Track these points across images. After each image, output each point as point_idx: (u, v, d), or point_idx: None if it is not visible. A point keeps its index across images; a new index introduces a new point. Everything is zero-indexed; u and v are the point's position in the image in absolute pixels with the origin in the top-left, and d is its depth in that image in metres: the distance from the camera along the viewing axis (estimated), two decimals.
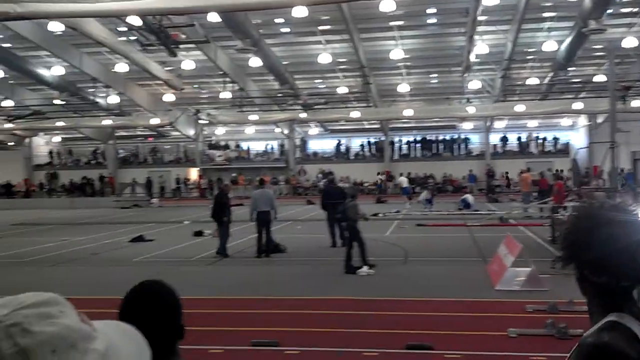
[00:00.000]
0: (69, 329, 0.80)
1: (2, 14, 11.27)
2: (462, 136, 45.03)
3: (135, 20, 18.76)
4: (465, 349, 7.11)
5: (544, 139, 43.75)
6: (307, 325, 8.35)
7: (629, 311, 1.69)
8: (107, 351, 0.83)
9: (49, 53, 29.19)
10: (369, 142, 46.36)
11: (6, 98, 36.22)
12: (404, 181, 33.55)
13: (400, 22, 27.78)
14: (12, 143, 46.69)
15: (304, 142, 48.19)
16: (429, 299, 9.82)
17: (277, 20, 27.21)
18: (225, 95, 33.80)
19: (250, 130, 45.62)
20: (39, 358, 0.76)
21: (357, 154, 46.55)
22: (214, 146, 46.37)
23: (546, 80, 34.38)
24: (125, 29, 24.09)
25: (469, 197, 27.91)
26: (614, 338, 1.62)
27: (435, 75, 36.46)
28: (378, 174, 40.40)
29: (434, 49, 31.56)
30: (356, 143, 46.96)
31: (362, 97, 34.40)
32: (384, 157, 43.94)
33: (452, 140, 45.05)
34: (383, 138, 44.73)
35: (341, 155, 46.42)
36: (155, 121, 38.24)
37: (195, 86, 36.89)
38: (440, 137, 45.27)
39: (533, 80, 34.03)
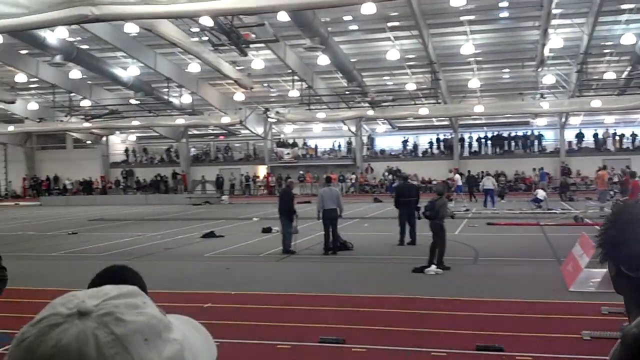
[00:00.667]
0: (156, 319, 0.83)
1: (81, 17, 11.74)
2: (536, 133, 43.80)
3: (208, 21, 19.16)
4: (537, 351, 6.92)
5: (622, 135, 42.01)
6: (374, 323, 8.31)
7: None
8: (183, 342, 0.85)
9: (125, 54, 30.21)
10: (437, 139, 45.77)
11: (84, 98, 37.74)
12: (458, 179, 32.93)
13: (471, 17, 27.26)
14: (90, 141, 48.70)
15: (371, 140, 48.06)
16: (499, 299, 9.61)
17: (345, 18, 27.22)
18: (294, 93, 34.09)
19: (317, 128, 45.87)
20: (134, 346, 0.79)
21: (425, 152, 46.04)
22: (282, 144, 46.90)
23: (624, 75, 32.98)
24: (197, 29, 24.67)
25: (540, 192, 27.21)
26: None
27: (507, 70, 35.60)
28: (450, 171, 39.77)
29: (506, 43, 30.82)
30: (424, 140, 46.46)
31: (431, 94, 33.96)
32: (453, 155, 43.27)
33: (525, 137, 43.89)
34: (452, 135, 44.06)
35: (409, 152, 46.02)
36: (225, 120, 39.00)
37: (264, 85, 37.38)
38: (513, 134, 44.20)
39: (610, 75, 32.70)
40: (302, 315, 8.87)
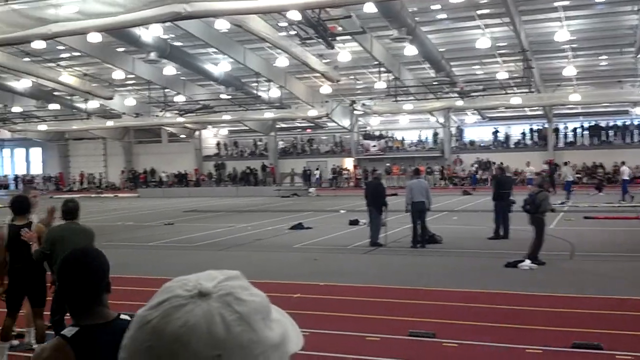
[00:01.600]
0: (264, 300, 0.88)
1: (174, 14, 12.14)
2: (635, 122, 41.49)
3: (295, 15, 19.34)
4: (638, 350, 6.56)
5: None
6: (465, 318, 8.15)
7: None
8: (279, 322, 0.89)
9: (216, 50, 31.01)
10: (530, 129, 44.26)
11: (178, 94, 39.07)
12: (568, 172, 30.98)
13: (566, 2, 26.11)
14: (184, 135, 50.42)
15: (460, 131, 47.10)
16: (597, 296, 9.18)
17: (433, 7, 26.76)
18: (380, 85, 33.89)
19: (404, 119, 45.43)
20: (256, 323, 0.83)
21: (517, 142, 44.64)
22: (369, 136, 46.79)
23: None
24: (285, 24, 24.94)
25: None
26: None
27: (605, 57, 33.86)
28: (545, 163, 38.35)
29: (603, 29, 29.32)
30: (516, 131, 45.04)
31: (523, 83, 32.81)
32: (548, 146, 41.72)
33: (625, 127, 41.69)
34: (546, 125, 42.48)
35: (500, 143, 44.77)
36: (312, 113, 39.32)
37: (350, 77, 37.38)
38: (611, 124, 42.08)
39: None
40: (390, 308, 8.81)
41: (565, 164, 34.61)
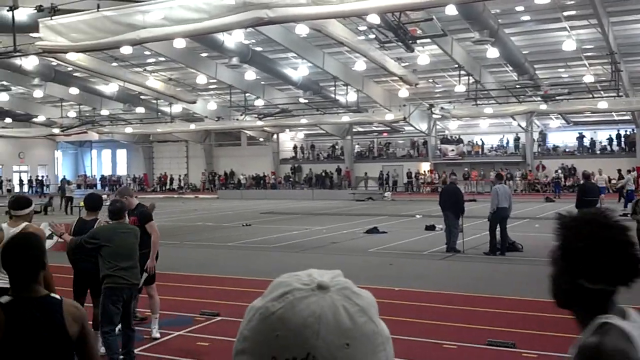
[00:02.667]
0: (372, 295, 0.91)
1: (257, 20, 12.36)
2: None
3: (375, 19, 19.31)
4: None
5: None
6: (546, 329, 7.89)
7: (613, 312, 1.75)
8: None
9: (295, 55, 31.38)
10: (618, 134, 42.38)
11: (258, 98, 39.78)
12: (630, 181, 28.03)
13: None
14: (262, 139, 51.28)
15: (543, 136, 45.66)
16: None
17: (517, 9, 26.08)
18: (460, 88, 33.32)
19: (484, 123, 44.47)
20: (374, 316, 0.88)
21: (603, 148, 42.85)
22: (447, 140, 46.09)
23: None
24: (364, 27, 24.95)
25: None
26: (611, 338, 1.67)
27: None
28: (628, 171, 36.65)
29: None
30: (603, 136, 43.23)
31: (611, 86, 31.43)
32: (636, 152, 39.83)
33: None
34: (635, 130, 40.56)
35: (585, 149, 43.10)
36: (389, 117, 39.13)
37: (429, 80, 36.95)
38: None
39: None
40: (468, 316, 8.64)
41: (629, 171, 33.00)
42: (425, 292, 10.20)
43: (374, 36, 24.34)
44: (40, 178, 54.17)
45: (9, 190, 46.93)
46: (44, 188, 51.05)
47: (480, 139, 46.23)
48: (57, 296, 3.05)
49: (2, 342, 2.85)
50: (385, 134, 49.81)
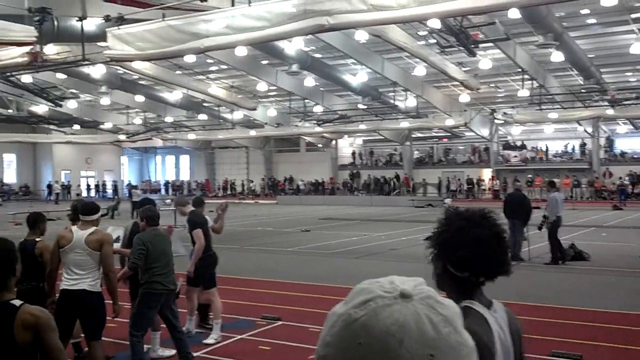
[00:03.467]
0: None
1: (318, 27, 12.44)
2: None
3: (436, 24, 19.15)
4: None
5: None
6: (614, 340, 7.61)
7: (478, 300, 2.00)
8: None
9: (354, 61, 31.41)
10: None
11: (317, 104, 40.00)
12: None
13: None
14: (321, 145, 51.50)
15: (610, 141, 44.17)
16: None
17: (582, 12, 25.35)
18: (523, 93, 32.60)
19: (548, 129, 43.34)
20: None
21: None
22: (509, 146, 45.15)
23: None
24: (425, 32, 24.76)
25: None
26: (468, 320, 1.63)
27: None
28: None
29: None
30: None
31: None
32: None
33: None
34: None
35: None
36: (450, 122, 38.65)
37: (491, 85, 36.33)
38: None
39: None
40: (532, 326, 8.40)
41: None
42: None
43: (434, 41, 24.11)
44: (105, 182, 56.08)
45: (78, 195, 48.69)
46: (113, 192, 52.69)
47: (545, 145, 45.08)
48: (17, 302, 3.02)
49: None
50: (445, 140, 49.21)
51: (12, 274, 3.07)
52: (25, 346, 2.93)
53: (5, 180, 54.39)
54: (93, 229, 6.01)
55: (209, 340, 7.65)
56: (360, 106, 38.97)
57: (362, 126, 41.36)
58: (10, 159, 55.43)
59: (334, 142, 51.08)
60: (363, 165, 51.59)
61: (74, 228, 6.13)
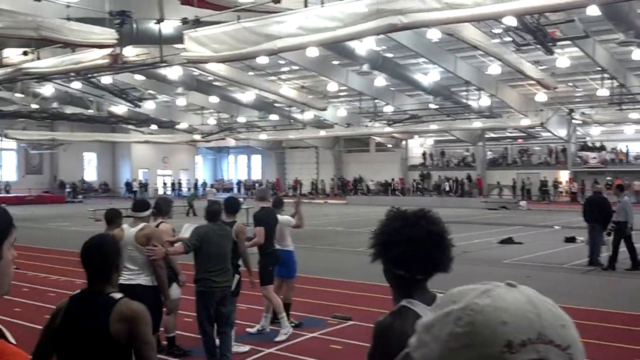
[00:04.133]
0: None
1: (390, 26, 12.36)
2: None
3: (512, 21, 18.69)
4: None
5: None
6: None
7: (420, 298, 2.10)
8: None
9: (426, 60, 31.05)
10: None
11: (387, 104, 39.78)
12: None
13: None
14: (391, 145, 51.19)
15: None
16: None
17: None
18: (603, 92, 31.39)
19: (629, 129, 41.48)
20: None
21: None
22: (588, 147, 43.54)
23: None
24: (500, 30, 24.21)
25: None
26: (402, 321, 2.02)
27: None
28: None
29: None
30: None
31: None
32: None
33: None
34: None
35: None
36: (525, 122, 37.62)
37: (569, 84, 35.14)
38: None
39: None
40: (615, 334, 8.08)
41: None
42: (566, 307, 9.58)
43: (510, 39, 23.53)
44: (181, 181, 57.75)
45: (164, 193, 50.34)
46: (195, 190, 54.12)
47: (625, 146, 43.21)
48: (117, 295, 3.15)
49: (57, 331, 3.10)
50: (520, 140, 47.92)
51: (114, 269, 3.25)
52: (119, 338, 3.03)
53: (86, 178, 56.82)
54: (142, 225, 6.25)
55: (280, 338, 7.72)
56: (432, 106, 38.50)
57: (433, 126, 40.83)
58: (90, 157, 57.85)
59: (404, 142, 50.67)
60: (434, 165, 50.95)
61: (125, 226, 6.41)
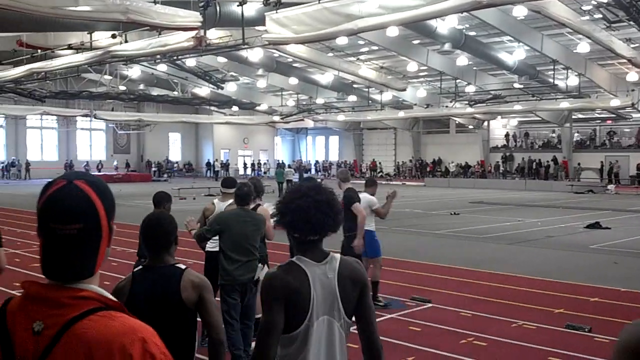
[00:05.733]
0: None
1: (474, 3, 12.07)
2: None
3: None
4: None
5: None
6: None
7: (311, 256, 2.58)
8: None
9: (511, 38, 30.08)
10: None
11: (469, 84, 38.86)
12: None
13: None
14: (472, 126, 50.07)
15: None
16: None
17: None
18: None
19: None
20: None
21: None
22: None
23: None
24: (589, 7, 23.12)
25: None
26: (281, 271, 2.57)
27: None
28: None
29: None
30: None
31: None
32: None
33: None
34: None
35: None
36: (615, 103, 35.86)
37: None
38: None
39: None
40: None
41: None
42: None
43: (600, 16, 22.44)
44: (260, 161, 58.79)
45: (259, 174, 51.54)
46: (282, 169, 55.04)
47: None
48: (182, 266, 3.44)
49: (126, 304, 3.26)
50: (609, 122, 45.80)
51: (174, 242, 3.51)
52: (189, 304, 3.32)
53: (171, 158, 58.73)
54: (231, 200, 6.51)
55: None
56: (516, 85, 37.34)
57: (517, 107, 39.56)
58: (175, 138, 59.71)
59: (485, 123, 49.43)
60: (517, 147, 49.50)
61: (216, 200, 6.82)
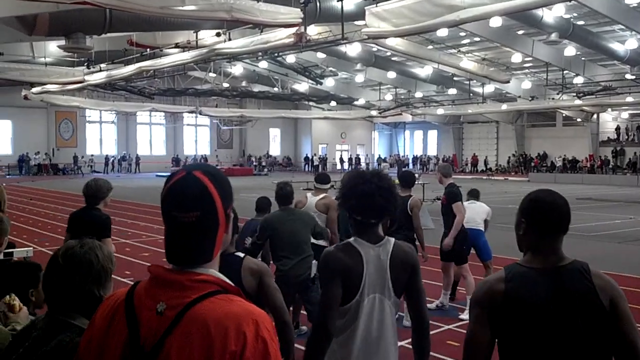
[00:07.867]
0: None
1: None
2: None
3: None
4: None
5: None
6: None
7: (367, 238, 2.81)
8: None
9: (623, 27, 28.48)
10: None
11: (577, 75, 37.14)
12: None
13: None
14: (580, 119, 47.82)
15: None
16: None
17: None
18: None
19: None
20: None
21: None
22: None
23: None
24: None
25: None
26: (338, 249, 2.83)
27: None
28: None
29: None
30: None
31: None
32: None
33: None
34: None
35: None
36: None
37: None
38: None
39: None
40: None
41: None
42: None
43: None
44: (358, 156, 58.91)
45: (359, 166, 52.03)
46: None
47: None
48: (241, 254, 3.59)
49: None
50: None
51: (236, 232, 3.65)
52: (249, 289, 3.41)
53: (271, 152, 60.03)
54: (323, 195, 7.05)
55: (465, 316, 7.62)
56: (628, 76, 35.29)
57: (630, 98, 37.34)
58: (275, 133, 60.98)
59: (595, 116, 47.05)
60: (629, 141, 46.83)
61: (309, 194, 7.21)
